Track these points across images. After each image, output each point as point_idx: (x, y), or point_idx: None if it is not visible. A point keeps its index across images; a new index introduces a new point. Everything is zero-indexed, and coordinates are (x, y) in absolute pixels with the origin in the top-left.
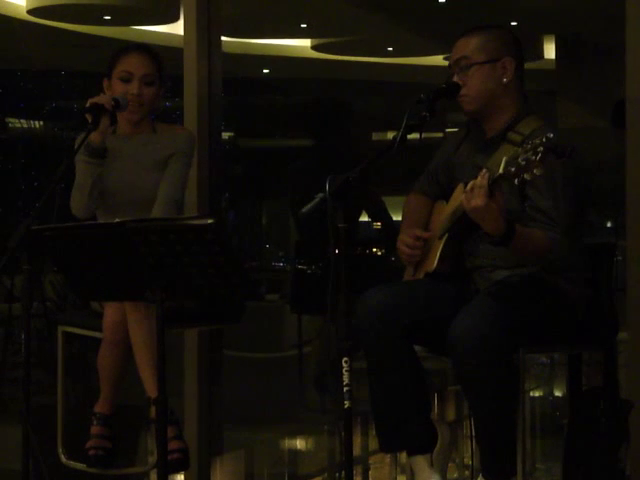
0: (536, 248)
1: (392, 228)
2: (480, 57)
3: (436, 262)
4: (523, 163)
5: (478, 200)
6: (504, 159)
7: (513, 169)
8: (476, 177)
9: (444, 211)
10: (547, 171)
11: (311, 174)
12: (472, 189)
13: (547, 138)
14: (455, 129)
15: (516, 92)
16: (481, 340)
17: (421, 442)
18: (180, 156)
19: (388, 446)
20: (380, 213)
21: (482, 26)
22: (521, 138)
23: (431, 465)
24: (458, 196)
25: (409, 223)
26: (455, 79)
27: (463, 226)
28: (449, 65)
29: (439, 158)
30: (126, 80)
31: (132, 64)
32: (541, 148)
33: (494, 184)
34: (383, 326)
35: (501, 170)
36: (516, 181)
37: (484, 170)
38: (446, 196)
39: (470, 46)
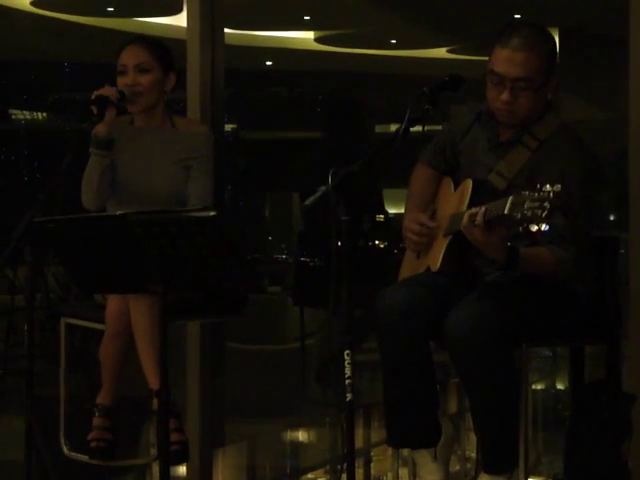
0: (544, 268)
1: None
2: (539, 80)
3: (439, 263)
4: (528, 214)
5: (477, 236)
6: (510, 199)
7: (518, 216)
8: (483, 178)
9: (450, 200)
10: (564, 188)
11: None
12: (470, 223)
13: (555, 194)
14: None
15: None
16: (475, 332)
17: (427, 437)
18: (204, 159)
19: (396, 441)
20: (379, 209)
21: (537, 32)
22: (536, 144)
23: (435, 459)
24: (465, 194)
25: (415, 202)
26: (506, 96)
27: None
28: (500, 75)
29: (446, 135)
30: (123, 73)
31: (125, 56)
32: (547, 204)
33: (496, 220)
34: (405, 325)
35: (506, 211)
36: (520, 229)
37: (483, 208)
38: (452, 173)
39: (532, 66)
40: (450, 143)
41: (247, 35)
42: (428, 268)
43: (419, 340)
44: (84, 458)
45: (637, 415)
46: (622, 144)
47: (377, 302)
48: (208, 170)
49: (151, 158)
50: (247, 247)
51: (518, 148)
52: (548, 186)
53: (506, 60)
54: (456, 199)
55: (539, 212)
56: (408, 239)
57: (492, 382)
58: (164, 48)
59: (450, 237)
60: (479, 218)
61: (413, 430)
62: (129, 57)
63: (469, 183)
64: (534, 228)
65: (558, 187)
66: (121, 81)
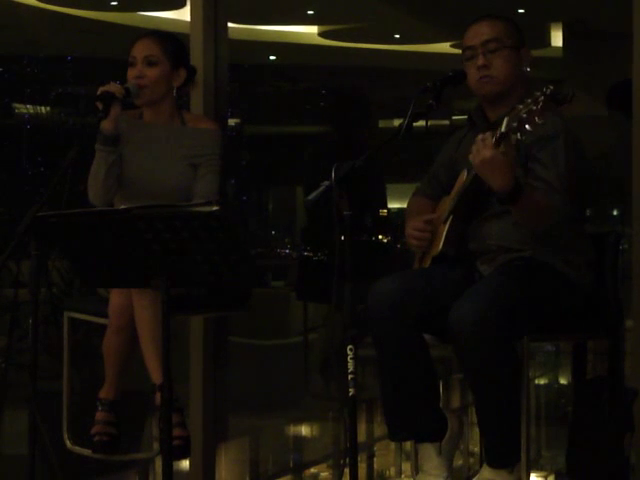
0: (539, 210)
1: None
2: (509, 41)
3: (442, 244)
4: (524, 115)
5: (485, 152)
6: (506, 119)
7: (515, 124)
8: None
9: (447, 201)
10: (550, 148)
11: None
12: (477, 144)
13: (547, 88)
14: (461, 116)
15: (525, 82)
16: (479, 324)
17: (431, 430)
18: (213, 157)
19: (397, 435)
20: (381, 204)
21: (497, 15)
22: None
23: (439, 454)
24: (461, 181)
25: (413, 216)
26: (481, 60)
27: (466, 206)
28: (472, 47)
29: (440, 160)
30: (132, 64)
31: (136, 48)
32: (542, 97)
33: (500, 140)
34: (395, 316)
35: (503, 128)
36: (519, 135)
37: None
38: (448, 193)
39: (499, 29)
40: (444, 164)
41: (250, 29)
42: (432, 261)
43: (411, 331)
44: (87, 452)
45: (639, 410)
46: (625, 139)
47: (368, 294)
48: (216, 168)
49: (159, 154)
50: (250, 241)
51: None
52: (537, 92)
53: (473, 33)
54: (452, 192)
55: (534, 107)
56: (413, 238)
57: (495, 376)
58: (176, 43)
59: (451, 218)
60: (487, 137)
61: (412, 423)
62: (139, 49)
63: (464, 173)
64: (531, 127)
65: (550, 86)
66: (130, 73)
